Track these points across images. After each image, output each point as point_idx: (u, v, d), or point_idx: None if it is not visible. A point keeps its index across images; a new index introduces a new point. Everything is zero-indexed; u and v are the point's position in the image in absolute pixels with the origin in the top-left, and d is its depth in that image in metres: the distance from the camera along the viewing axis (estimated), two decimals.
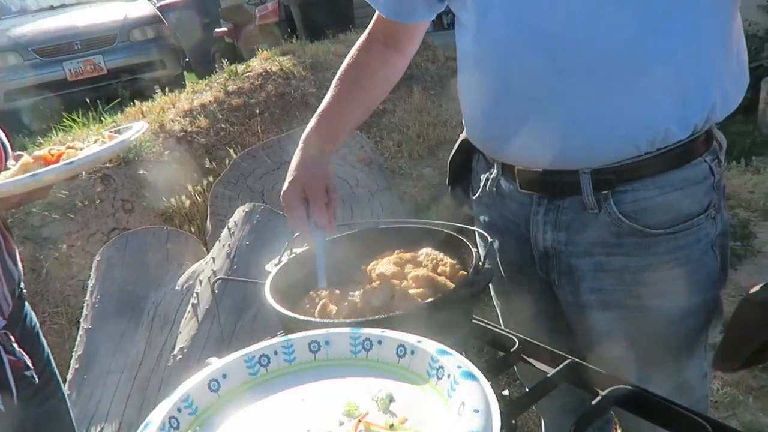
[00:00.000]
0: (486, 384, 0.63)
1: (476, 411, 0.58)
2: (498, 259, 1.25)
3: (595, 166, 1.02)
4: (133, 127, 1.36)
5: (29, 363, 1.23)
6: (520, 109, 1.03)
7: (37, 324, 1.44)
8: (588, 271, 1.09)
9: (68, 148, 1.24)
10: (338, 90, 1.20)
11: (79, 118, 4.85)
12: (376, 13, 1.24)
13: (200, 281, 2.36)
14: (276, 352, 0.74)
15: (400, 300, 1.00)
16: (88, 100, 5.13)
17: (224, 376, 0.70)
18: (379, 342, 0.72)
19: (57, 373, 1.48)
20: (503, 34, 1.01)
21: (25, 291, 1.39)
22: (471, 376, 0.63)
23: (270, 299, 1.03)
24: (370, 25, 1.27)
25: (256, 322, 2.15)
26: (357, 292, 1.05)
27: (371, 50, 1.24)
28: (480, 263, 1.04)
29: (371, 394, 0.67)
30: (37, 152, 1.22)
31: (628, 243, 1.05)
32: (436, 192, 3.67)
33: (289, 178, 1.12)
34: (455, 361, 0.66)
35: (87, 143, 1.30)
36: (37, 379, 1.24)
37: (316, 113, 1.19)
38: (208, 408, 0.67)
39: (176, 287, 2.42)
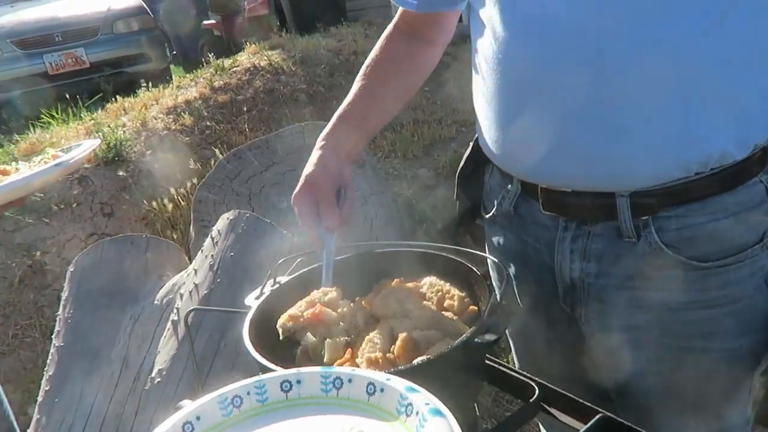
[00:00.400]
0: (453, 420, 0.65)
1: None
2: (514, 289, 1.10)
3: (635, 188, 0.88)
4: (82, 144, 1.21)
5: None
6: (552, 121, 0.89)
7: None
8: (621, 306, 0.96)
9: (0, 172, 1.08)
10: (360, 87, 1.10)
11: (58, 114, 4.65)
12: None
13: (181, 295, 2.19)
14: (249, 393, 0.74)
15: (404, 350, 0.86)
16: (68, 96, 4.92)
17: (198, 418, 0.71)
18: (350, 380, 0.74)
19: (5, 403, 1.31)
20: (537, 34, 0.86)
21: None
22: (438, 413, 0.66)
23: (248, 344, 0.89)
24: (396, 17, 1.16)
25: (242, 341, 1.99)
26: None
27: (396, 43, 1.13)
28: (496, 300, 0.88)
29: (343, 431, 0.69)
30: None
31: (670, 276, 0.91)
32: (432, 195, 3.52)
33: (301, 180, 1.04)
34: (423, 398, 0.69)
35: (31, 163, 1.14)
36: None
37: (336, 113, 1.09)
38: None
39: (155, 301, 2.26)
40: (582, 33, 0.82)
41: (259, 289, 1.08)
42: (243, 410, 0.73)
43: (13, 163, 1.21)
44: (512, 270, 1.09)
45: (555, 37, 0.84)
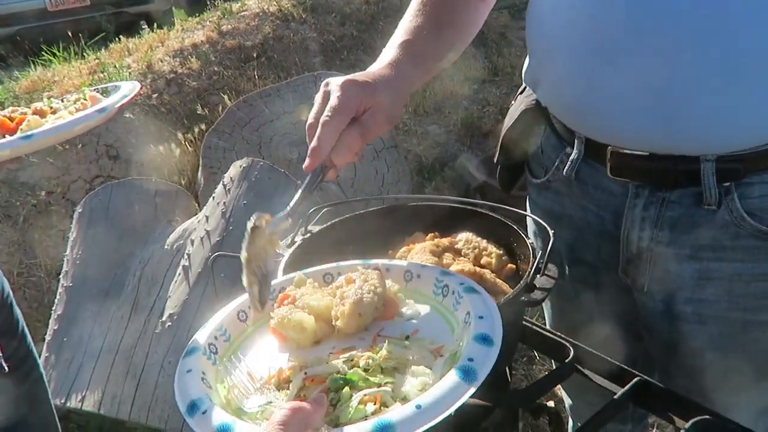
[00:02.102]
0: (487, 296, 0.71)
1: (481, 317, 0.66)
2: (564, 257, 1.07)
3: (724, 151, 0.83)
4: (121, 87, 1.16)
5: None
6: (638, 72, 0.82)
7: (10, 293, 1.26)
8: (689, 278, 0.92)
9: (35, 112, 1.04)
10: (406, 25, 0.93)
11: (60, 52, 4.52)
12: None
13: (192, 241, 2.17)
14: (294, 284, 0.80)
15: None
16: (70, 33, 4.77)
17: (250, 307, 0.76)
18: (388, 269, 0.81)
19: (33, 349, 1.30)
20: None
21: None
22: (473, 290, 0.72)
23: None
24: None
25: None
26: None
27: None
28: (541, 261, 0.86)
29: None
30: (4, 113, 1.05)
31: (746, 246, 0.87)
32: (442, 152, 3.47)
33: (366, 77, 0.83)
34: (458, 279, 0.76)
35: (66, 102, 1.08)
36: (6, 368, 1.06)
37: (402, 45, 0.90)
38: (240, 335, 0.77)
39: (165, 246, 2.24)
40: None
41: (290, 237, 1.06)
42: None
43: (46, 101, 1.16)
44: (567, 237, 1.04)
45: None
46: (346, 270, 0.82)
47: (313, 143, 0.78)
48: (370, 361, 0.65)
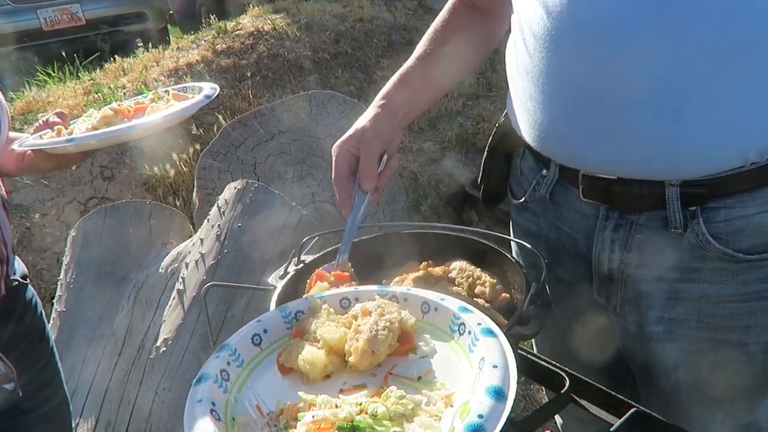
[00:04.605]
0: (504, 340, 0.68)
1: (495, 366, 0.64)
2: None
3: (687, 177, 0.84)
4: (203, 87, 1.30)
5: (12, 373, 1.06)
6: (606, 103, 0.84)
7: (43, 314, 1.28)
8: (659, 298, 0.93)
9: (137, 105, 1.23)
10: (423, 53, 1.08)
11: (54, 72, 4.53)
12: None
13: (186, 264, 2.16)
14: (309, 308, 0.80)
15: None
16: (64, 53, 4.79)
17: (265, 331, 0.77)
18: (405, 299, 0.78)
19: (60, 371, 1.31)
20: (596, 10, 0.81)
21: (26, 281, 1.24)
22: (491, 332, 0.69)
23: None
24: None
25: (248, 312, 1.97)
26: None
27: (458, 12, 1.11)
28: (534, 292, 0.85)
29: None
30: (113, 105, 1.24)
31: (712, 268, 0.89)
32: (437, 168, 3.47)
33: (350, 131, 1.02)
34: (476, 318, 0.72)
35: (144, 97, 1.29)
36: (20, 393, 1.07)
37: (396, 75, 1.08)
38: (252, 360, 0.75)
39: (160, 269, 2.22)
40: (660, 6, 0.78)
41: (283, 268, 1.05)
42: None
43: (124, 99, 1.33)
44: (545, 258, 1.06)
45: (626, 16, 0.79)
46: (364, 296, 0.81)
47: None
48: (379, 407, 0.64)
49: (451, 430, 0.58)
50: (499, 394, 0.60)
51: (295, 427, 0.64)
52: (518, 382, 0.65)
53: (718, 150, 0.82)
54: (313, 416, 0.64)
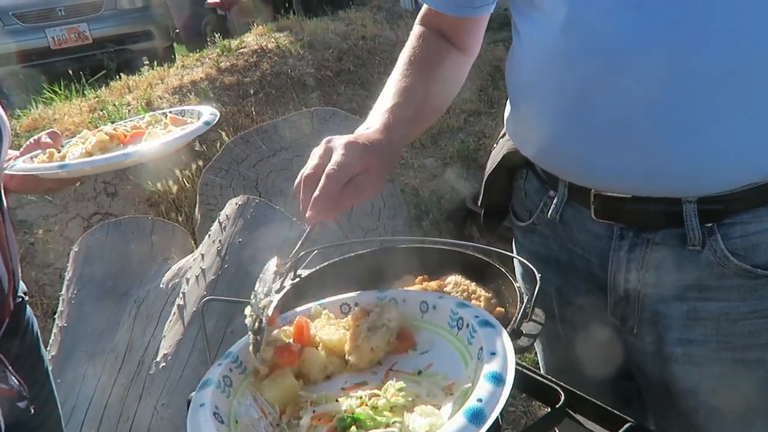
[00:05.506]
0: (502, 330, 0.69)
1: (493, 353, 0.65)
2: (553, 298, 1.06)
3: (704, 193, 0.83)
4: (202, 112, 1.29)
5: (25, 390, 1.05)
6: (622, 119, 0.83)
7: (38, 332, 1.27)
8: (678, 318, 0.91)
9: (134, 130, 1.23)
10: (396, 86, 0.98)
11: (61, 90, 4.59)
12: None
13: (187, 279, 2.17)
14: (309, 316, 0.81)
15: None
16: (71, 72, 4.85)
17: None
18: (404, 300, 0.80)
19: (54, 390, 1.30)
20: (612, 25, 0.79)
21: (26, 297, 1.23)
22: (488, 323, 0.71)
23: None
24: (419, 16, 1.08)
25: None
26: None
27: (427, 41, 1.04)
28: (528, 306, 0.86)
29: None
30: (107, 128, 1.22)
31: (730, 286, 0.87)
32: (438, 184, 3.49)
33: (340, 139, 0.87)
34: (473, 312, 0.74)
35: (149, 120, 1.28)
36: (33, 410, 1.06)
37: (384, 105, 0.96)
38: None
39: (161, 285, 2.23)
40: (665, 25, 0.77)
41: (279, 282, 1.06)
42: None
43: (146, 115, 1.33)
44: (555, 281, 1.04)
45: (632, 30, 0.77)
46: (364, 301, 0.82)
47: (316, 193, 0.79)
48: (379, 400, 0.65)
49: (453, 414, 0.59)
50: (497, 379, 0.61)
51: (297, 425, 0.65)
52: (519, 399, 0.65)
53: (738, 165, 0.81)
54: (314, 411, 0.65)
